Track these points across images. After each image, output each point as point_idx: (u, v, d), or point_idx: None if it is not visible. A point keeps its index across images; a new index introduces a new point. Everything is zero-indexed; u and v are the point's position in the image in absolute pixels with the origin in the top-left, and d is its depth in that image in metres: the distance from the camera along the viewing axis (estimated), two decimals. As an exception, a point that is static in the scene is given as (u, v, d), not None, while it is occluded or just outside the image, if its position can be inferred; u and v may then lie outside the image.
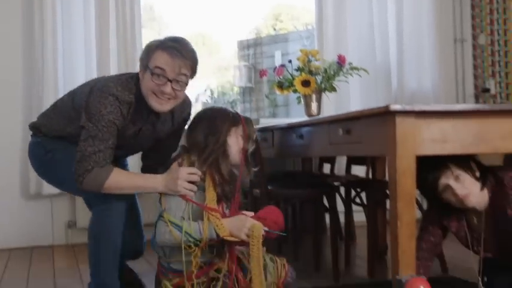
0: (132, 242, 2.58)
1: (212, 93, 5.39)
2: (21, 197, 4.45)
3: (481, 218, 2.40)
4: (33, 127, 2.56)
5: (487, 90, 4.91)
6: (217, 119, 2.27)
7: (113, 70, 4.33)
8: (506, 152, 2.17)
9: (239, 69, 5.41)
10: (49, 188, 4.35)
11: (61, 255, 4.09)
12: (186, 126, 2.43)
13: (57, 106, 2.54)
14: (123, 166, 2.72)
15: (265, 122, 4.26)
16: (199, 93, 5.33)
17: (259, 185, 3.10)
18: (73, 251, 4.20)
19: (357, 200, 3.83)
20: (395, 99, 4.73)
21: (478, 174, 2.32)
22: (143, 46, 2.42)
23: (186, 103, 2.55)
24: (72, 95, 2.50)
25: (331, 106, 4.48)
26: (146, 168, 2.64)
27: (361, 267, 3.41)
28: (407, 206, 2.05)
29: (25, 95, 4.41)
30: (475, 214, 2.41)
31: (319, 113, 3.65)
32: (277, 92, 4.02)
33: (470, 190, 2.30)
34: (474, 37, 5.17)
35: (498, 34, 5.00)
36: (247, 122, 2.36)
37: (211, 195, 2.20)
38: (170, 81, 2.25)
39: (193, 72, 2.32)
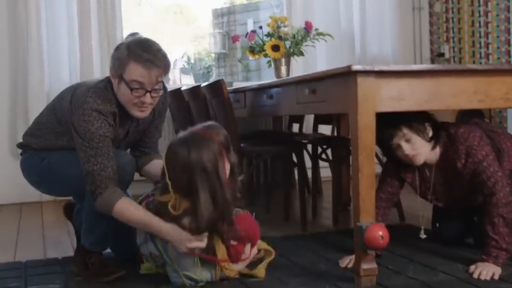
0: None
1: (189, 59, 5.33)
2: (11, 156, 4.39)
3: (432, 170, 2.44)
4: (22, 145, 2.42)
5: (442, 55, 4.95)
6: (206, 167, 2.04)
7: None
8: (456, 108, 2.19)
9: (214, 36, 5.35)
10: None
11: (49, 210, 4.07)
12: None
13: (41, 123, 2.37)
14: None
15: (238, 85, 4.22)
16: (177, 58, 5.26)
17: (232, 143, 3.08)
18: (61, 206, 4.16)
19: (323, 156, 3.86)
20: (358, 62, 4.75)
21: (430, 134, 2.33)
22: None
23: (163, 97, 2.40)
24: (52, 109, 2.34)
25: (299, 69, 4.47)
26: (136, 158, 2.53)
27: (326, 217, 3.45)
28: (368, 159, 2.05)
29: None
30: (427, 167, 2.44)
31: (288, 75, 3.64)
32: (249, 56, 3.99)
33: (419, 151, 2.31)
34: (430, 5, 5.18)
35: (452, 2, 5.00)
36: (224, 140, 2.15)
37: (221, 248, 2.12)
38: (149, 91, 2.17)
39: (167, 73, 2.24)
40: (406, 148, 2.31)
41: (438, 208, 2.62)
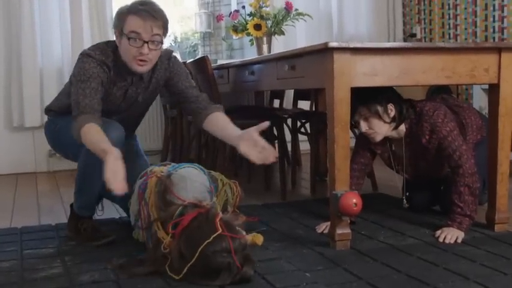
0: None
1: (176, 38, 5.26)
2: (5, 129, 4.34)
3: (401, 144, 2.45)
4: (46, 109, 2.46)
5: (414, 35, 4.94)
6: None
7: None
8: (425, 83, 2.18)
9: (199, 16, 5.29)
10: (32, 121, 4.26)
11: (43, 180, 4.03)
12: None
13: (63, 88, 2.42)
14: (133, 146, 2.55)
15: (222, 62, 4.19)
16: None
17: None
18: (54, 177, 4.14)
19: (302, 130, 3.85)
20: (335, 41, 4.70)
21: (392, 114, 2.32)
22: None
23: (163, 55, 2.34)
24: (70, 77, 2.34)
25: (280, 48, 4.41)
26: None
27: (305, 187, 3.47)
28: (343, 131, 2.05)
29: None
30: (396, 141, 2.45)
31: (269, 53, 3.61)
32: (233, 35, 3.95)
33: (376, 130, 2.32)
34: (404, -12, 5.16)
35: (425, -15, 4.98)
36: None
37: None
38: (146, 42, 2.14)
39: (165, 30, 2.20)
40: (363, 126, 2.32)
41: (408, 179, 2.64)
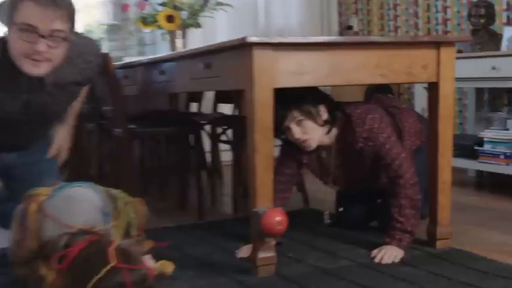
0: None
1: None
2: None
3: (331, 152, 2.50)
4: None
5: (350, 28, 5.05)
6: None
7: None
8: (359, 83, 2.24)
9: (105, 5, 5.22)
10: None
11: None
12: None
13: None
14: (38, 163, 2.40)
15: (130, 60, 4.14)
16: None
17: (119, 124, 3.03)
18: None
19: (224, 137, 3.87)
20: (262, 35, 4.76)
21: (324, 116, 2.37)
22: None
23: (84, 53, 2.21)
24: None
25: (197, 43, 4.41)
26: None
27: (227, 205, 3.48)
28: (265, 138, 2.07)
29: None
30: (324, 148, 2.50)
31: (184, 49, 3.61)
32: (141, 28, 3.92)
33: (310, 135, 2.35)
34: (339, -26, 5.28)
35: (361, -28, 5.13)
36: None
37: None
38: (43, 37, 1.92)
39: (71, 22, 2.00)
40: (296, 132, 2.34)
41: (342, 191, 2.69)
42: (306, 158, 2.54)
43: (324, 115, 2.37)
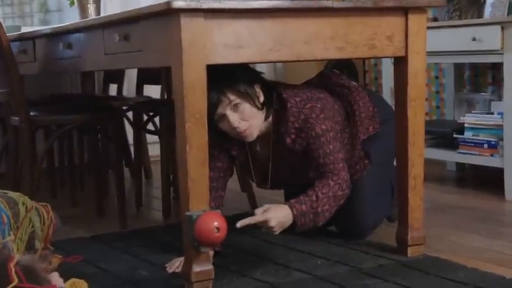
0: None
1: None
2: None
3: (267, 145, 2.53)
4: None
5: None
6: None
7: None
8: (310, 58, 2.27)
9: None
10: None
11: None
12: None
13: None
14: None
15: (28, 30, 4.09)
16: None
17: (17, 110, 3.00)
18: None
19: (150, 126, 3.87)
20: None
21: (261, 98, 2.42)
22: None
23: None
24: None
25: (115, 10, 4.41)
26: None
27: (156, 209, 3.50)
28: (198, 126, 2.08)
29: None
30: (260, 140, 2.54)
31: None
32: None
33: (251, 122, 2.39)
34: None
35: None
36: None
37: None
38: None
39: None
40: (234, 119, 2.36)
41: (290, 192, 2.74)
42: (236, 150, 2.57)
43: (261, 96, 2.41)
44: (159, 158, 3.48)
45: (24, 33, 3.39)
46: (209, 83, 2.09)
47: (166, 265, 2.41)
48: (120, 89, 4.42)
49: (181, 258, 2.32)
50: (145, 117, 3.85)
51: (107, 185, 3.79)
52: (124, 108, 3.96)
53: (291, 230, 2.73)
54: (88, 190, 3.90)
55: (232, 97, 2.34)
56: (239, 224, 2.15)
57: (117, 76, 4.42)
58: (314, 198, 2.34)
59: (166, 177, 3.35)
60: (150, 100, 3.97)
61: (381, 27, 2.34)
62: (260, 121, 2.41)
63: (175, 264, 2.38)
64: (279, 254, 2.53)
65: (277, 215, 2.27)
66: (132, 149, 4.15)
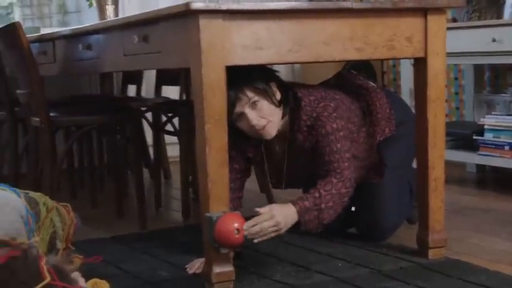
0: None
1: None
2: None
3: (282, 143, 2.53)
4: None
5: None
6: None
7: None
8: (329, 59, 2.27)
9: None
10: None
11: None
12: None
13: None
14: None
15: (48, 31, 4.11)
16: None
17: (37, 112, 3.01)
18: None
19: (169, 127, 3.87)
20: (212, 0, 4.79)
21: (278, 96, 2.41)
22: None
23: None
24: None
25: (134, 11, 4.41)
26: None
27: (175, 210, 3.51)
28: (217, 128, 2.09)
29: None
30: (276, 138, 2.52)
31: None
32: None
33: (269, 118, 2.38)
34: None
35: None
36: None
37: None
38: None
39: None
40: (253, 117, 2.36)
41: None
42: (252, 151, 2.57)
43: (277, 94, 2.40)
44: (177, 159, 3.49)
45: (43, 34, 3.41)
46: (227, 83, 2.10)
47: (187, 266, 2.41)
48: (139, 90, 4.44)
49: (202, 259, 2.32)
50: (163, 118, 3.86)
51: (126, 186, 3.80)
52: (143, 109, 3.97)
53: (310, 232, 2.74)
54: (107, 191, 3.90)
55: (250, 94, 2.34)
56: (246, 231, 2.12)
57: (135, 77, 4.43)
58: (317, 195, 2.33)
59: (186, 179, 3.36)
60: (169, 101, 3.97)
61: (400, 28, 2.32)
62: (278, 118, 2.41)
63: (196, 265, 2.38)
64: (298, 256, 2.52)
65: (281, 212, 2.25)
66: (150, 149, 4.16)
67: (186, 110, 3.49)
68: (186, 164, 3.37)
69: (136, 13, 3.48)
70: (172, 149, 4.30)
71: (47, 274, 1.72)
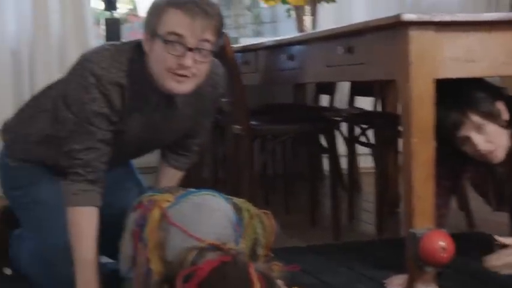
0: None
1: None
2: None
3: (509, 166, 2.41)
4: (4, 128, 2.43)
5: (527, 0, 4.90)
6: None
7: None
8: (548, 73, 2.17)
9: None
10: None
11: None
12: None
13: (38, 98, 2.38)
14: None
15: (248, 42, 4.23)
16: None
17: (239, 119, 3.09)
18: None
19: (362, 139, 3.85)
20: (410, 12, 4.72)
21: (506, 116, 2.29)
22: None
23: (216, 75, 2.34)
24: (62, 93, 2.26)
25: (329, 21, 4.44)
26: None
27: (367, 222, 3.47)
28: (424, 142, 2.06)
29: None
30: (502, 162, 2.42)
31: (314, 29, 3.64)
32: (262, 3, 3.99)
33: (496, 144, 2.27)
34: None
35: None
36: None
37: None
38: (191, 50, 2.05)
39: (219, 36, 2.12)
40: (479, 142, 2.24)
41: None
42: (471, 171, 2.48)
43: (505, 114, 2.30)
44: (368, 170, 3.47)
45: (246, 45, 3.49)
46: (448, 101, 2.05)
47: (385, 281, 2.38)
48: (331, 100, 4.44)
49: (401, 276, 2.28)
50: (357, 130, 3.84)
51: (319, 195, 3.82)
52: (337, 119, 3.97)
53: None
54: (299, 199, 3.94)
55: (475, 118, 2.23)
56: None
57: (329, 87, 4.45)
58: None
59: (381, 192, 3.32)
60: (363, 112, 3.95)
61: None
62: (506, 141, 2.31)
63: (395, 281, 2.33)
64: (505, 277, 2.41)
65: None
66: (342, 160, 4.15)
67: (382, 122, 3.46)
68: (381, 177, 3.34)
69: (331, 24, 3.51)
70: (363, 159, 4.28)
71: (256, 281, 1.75)
